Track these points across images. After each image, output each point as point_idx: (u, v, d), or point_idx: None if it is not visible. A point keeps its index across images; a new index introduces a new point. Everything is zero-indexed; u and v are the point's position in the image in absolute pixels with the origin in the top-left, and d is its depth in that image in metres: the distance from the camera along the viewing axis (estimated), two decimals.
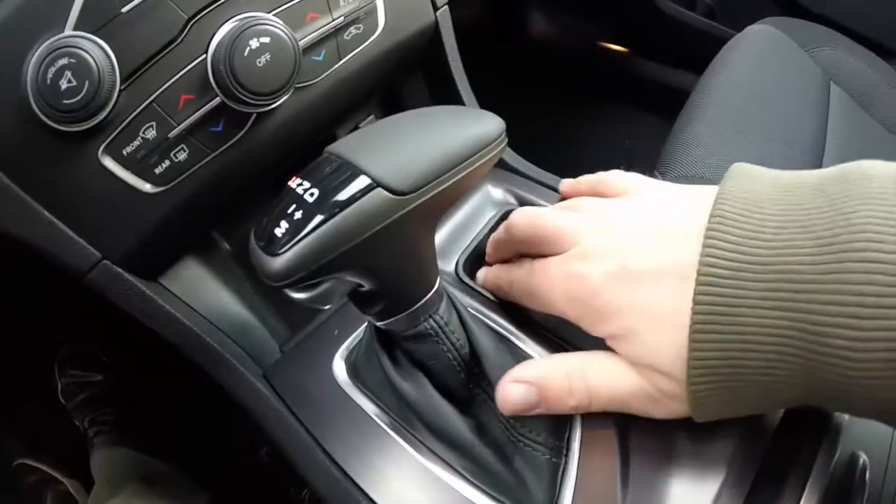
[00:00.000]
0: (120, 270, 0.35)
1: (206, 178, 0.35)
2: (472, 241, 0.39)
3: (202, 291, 0.42)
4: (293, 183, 0.24)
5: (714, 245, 0.24)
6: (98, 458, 0.78)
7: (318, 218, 0.22)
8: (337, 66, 0.38)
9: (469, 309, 0.32)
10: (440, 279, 0.29)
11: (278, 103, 0.34)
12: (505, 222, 0.33)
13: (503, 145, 0.27)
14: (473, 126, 0.27)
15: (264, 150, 0.37)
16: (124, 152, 0.32)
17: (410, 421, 0.31)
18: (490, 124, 0.27)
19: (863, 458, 0.28)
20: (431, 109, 0.29)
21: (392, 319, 0.28)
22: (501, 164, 0.45)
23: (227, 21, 0.32)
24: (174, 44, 0.32)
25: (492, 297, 0.36)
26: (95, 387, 0.87)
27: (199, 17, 0.32)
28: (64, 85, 0.28)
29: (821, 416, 0.28)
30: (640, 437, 0.28)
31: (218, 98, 0.32)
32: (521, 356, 0.33)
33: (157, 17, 0.31)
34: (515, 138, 0.32)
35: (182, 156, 0.33)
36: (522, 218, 0.31)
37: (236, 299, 0.43)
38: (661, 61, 1.11)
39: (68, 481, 0.83)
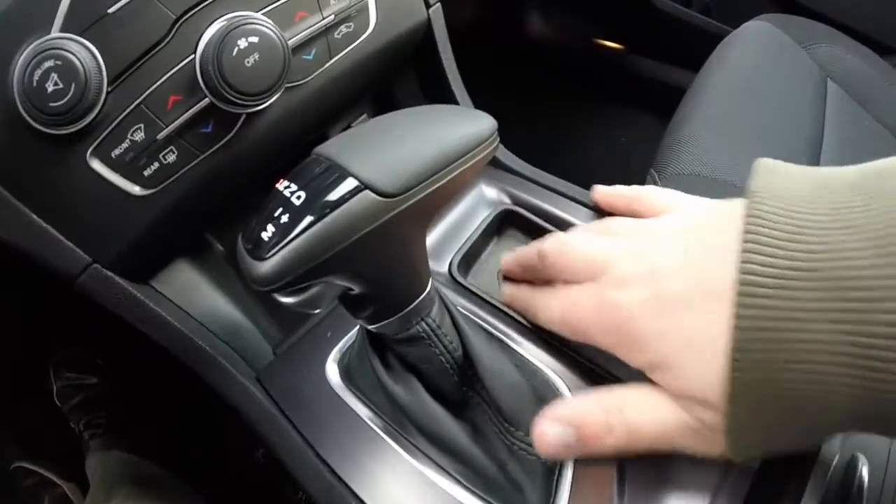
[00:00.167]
0: (110, 274, 0.34)
1: (195, 179, 0.34)
2: (465, 241, 0.39)
3: (194, 294, 0.42)
4: (280, 185, 0.24)
5: (753, 250, 0.22)
6: (93, 462, 0.78)
7: (306, 221, 0.22)
8: (327, 65, 0.38)
9: (463, 310, 0.31)
10: (432, 281, 0.28)
11: (268, 103, 0.33)
12: (539, 249, 0.31)
13: (495, 144, 0.27)
14: (464, 125, 0.26)
15: (255, 150, 0.37)
16: (113, 155, 0.31)
17: (404, 425, 0.31)
18: (481, 123, 0.27)
19: (862, 460, 0.28)
20: (422, 109, 0.28)
21: (383, 323, 0.28)
22: (496, 163, 0.44)
23: (214, 21, 0.32)
24: (162, 44, 0.31)
25: (486, 298, 0.36)
26: (91, 390, 0.86)
27: (186, 17, 0.32)
28: (50, 87, 0.28)
29: None
30: None
31: (207, 99, 0.32)
32: (515, 358, 0.32)
33: (145, 17, 0.31)
34: (512, 137, 0.32)
35: (171, 157, 0.33)
36: (556, 247, 0.30)
37: (229, 301, 0.43)
38: (657, 59, 1.11)
39: (65, 484, 0.83)
